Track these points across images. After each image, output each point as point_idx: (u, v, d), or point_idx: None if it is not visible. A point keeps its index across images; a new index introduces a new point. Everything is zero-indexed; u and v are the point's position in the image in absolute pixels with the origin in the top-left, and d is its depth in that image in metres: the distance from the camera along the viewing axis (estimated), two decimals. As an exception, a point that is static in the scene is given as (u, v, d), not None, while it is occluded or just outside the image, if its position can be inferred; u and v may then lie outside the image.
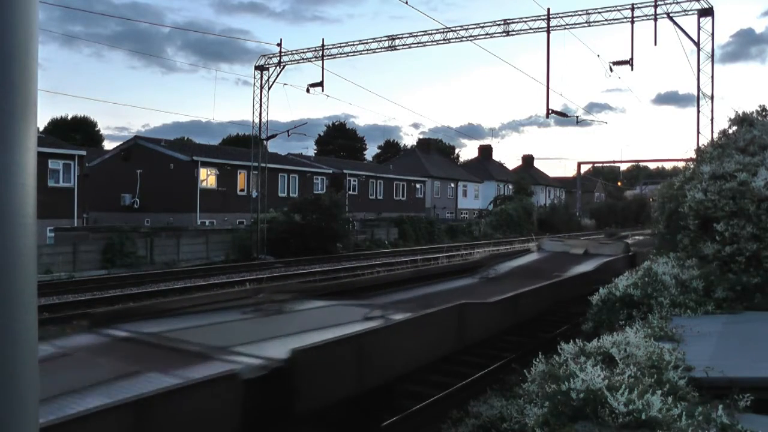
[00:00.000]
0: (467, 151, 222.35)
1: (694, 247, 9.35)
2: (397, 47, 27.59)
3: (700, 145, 18.20)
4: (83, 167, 33.69)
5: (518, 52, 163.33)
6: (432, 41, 27.00)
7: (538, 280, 11.06)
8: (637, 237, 26.39)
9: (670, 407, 4.10)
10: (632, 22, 23.29)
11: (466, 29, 26.32)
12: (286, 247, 29.91)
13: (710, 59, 22.37)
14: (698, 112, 22.50)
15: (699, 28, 22.30)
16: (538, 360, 5.69)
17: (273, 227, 31.05)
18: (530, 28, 25.23)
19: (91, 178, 35.77)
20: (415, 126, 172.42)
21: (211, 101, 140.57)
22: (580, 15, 24.53)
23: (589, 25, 24.36)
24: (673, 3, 22.66)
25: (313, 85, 29.20)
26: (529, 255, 16.23)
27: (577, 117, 30.43)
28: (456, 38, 26.70)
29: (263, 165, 31.35)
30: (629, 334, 5.88)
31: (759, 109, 12.05)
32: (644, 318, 7.43)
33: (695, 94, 22.59)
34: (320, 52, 28.88)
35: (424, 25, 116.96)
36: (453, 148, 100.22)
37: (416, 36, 27.17)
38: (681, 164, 15.61)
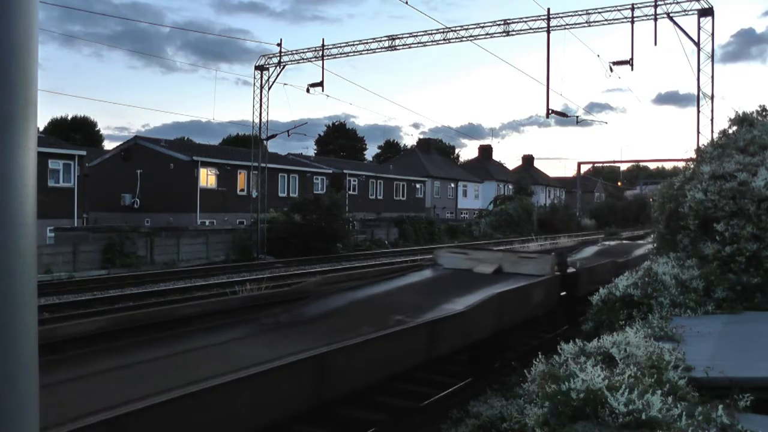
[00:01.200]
0: (467, 151, 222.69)
1: (694, 247, 9.33)
2: (397, 47, 27.62)
3: (700, 145, 18.20)
4: (83, 167, 33.72)
5: (518, 52, 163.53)
6: (432, 41, 27.03)
7: (360, 331, 6.51)
8: (607, 242, 22.04)
9: (670, 407, 4.10)
10: (632, 22, 23.32)
11: (466, 29, 26.35)
12: (286, 247, 29.93)
13: (710, 59, 22.41)
14: (698, 112, 22.55)
15: (699, 28, 22.33)
16: (538, 360, 5.68)
17: (273, 227, 31.06)
18: (530, 28, 25.26)
19: (91, 178, 35.80)
20: (415, 126, 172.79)
21: (211, 101, 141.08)
22: (580, 15, 24.56)
23: (589, 25, 24.39)
24: (673, 3, 22.68)
25: (313, 85, 29.25)
26: (406, 276, 11.37)
27: (577, 117, 30.50)
28: (456, 38, 26.72)
29: (263, 165, 31.36)
30: (629, 334, 5.88)
31: (759, 109, 12.04)
32: (644, 318, 7.42)
33: (695, 94, 22.65)
34: (320, 52, 28.91)
35: (424, 25, 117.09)
36: (453, 148, 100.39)
37: (416, 36, 27.21)
38: (681, 164, 15.56)
